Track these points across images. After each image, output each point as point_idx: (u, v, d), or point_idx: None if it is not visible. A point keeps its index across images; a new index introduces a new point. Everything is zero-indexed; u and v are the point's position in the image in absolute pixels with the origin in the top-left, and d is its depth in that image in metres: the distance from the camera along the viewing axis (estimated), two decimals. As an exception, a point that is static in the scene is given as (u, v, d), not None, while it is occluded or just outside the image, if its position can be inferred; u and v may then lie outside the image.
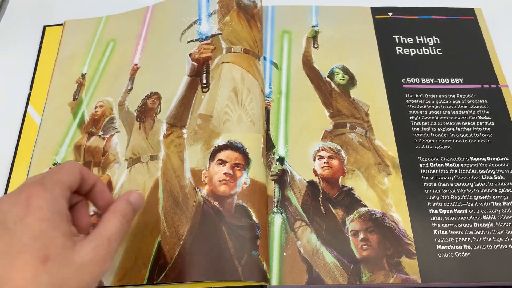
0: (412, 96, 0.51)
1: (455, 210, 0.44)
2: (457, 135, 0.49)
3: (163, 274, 0.40)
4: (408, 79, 0.53)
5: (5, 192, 0.48)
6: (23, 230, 0.28)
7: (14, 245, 0.28)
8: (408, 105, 0.51)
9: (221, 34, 0.52)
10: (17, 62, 0.58)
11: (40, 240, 0.28)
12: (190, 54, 0.52)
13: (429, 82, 0.52)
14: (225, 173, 0.44)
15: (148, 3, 0.59)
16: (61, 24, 0.60)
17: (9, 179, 0.49)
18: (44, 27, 0.61)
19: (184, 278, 0.39)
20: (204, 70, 0.50)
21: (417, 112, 0.50)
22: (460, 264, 0.41)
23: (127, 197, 0.35)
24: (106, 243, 0.31)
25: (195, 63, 0.51)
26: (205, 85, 0.49)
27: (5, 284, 0.27)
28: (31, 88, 0.56)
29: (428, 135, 0.49)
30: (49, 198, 0.30)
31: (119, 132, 0.50)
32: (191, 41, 0.53)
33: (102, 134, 0.51)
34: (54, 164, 0.49)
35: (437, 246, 0.42)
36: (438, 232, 0.43)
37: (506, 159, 0.47)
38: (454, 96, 0.51)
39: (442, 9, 0.58)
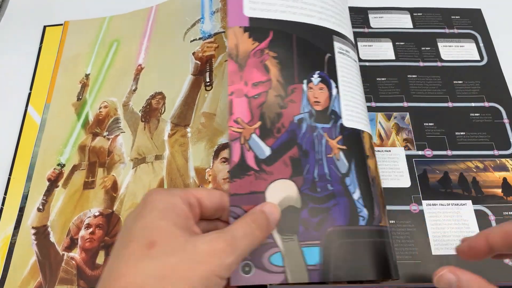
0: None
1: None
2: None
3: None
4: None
5: (5, 192, 0.48)
6: (136, 223, 0.29)
7: (126, 237, 0.29)
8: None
9: (224, 32, 0.52)
10: (17, 62, 0.58)
11: (148, 228, 0.29)
12: (193, 53, 0.52)
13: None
14: (228, 171, 0.44)
15: (151, 3, 0.59)
16: (61, 24, 0.60)
17: (9, 179, 0.49)
18: (44, 27, 0.60)
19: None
20: (207, 68, 0.50)
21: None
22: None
23: (260, 207, 0.33)
24: (228, 237, 0.29)
25: (198, 62, 0.51)
26: (208, 84, 0.49)
27: (111, 273, 0.27)
28: (31, 88, 0.55)
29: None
30: (164, 194, 0.31)
31: (124, 132, 0.50)
32: (194, 40, 0.53)
33: (107, 135, 0.50)
34: (58, 164, 0.49)
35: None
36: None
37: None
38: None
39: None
